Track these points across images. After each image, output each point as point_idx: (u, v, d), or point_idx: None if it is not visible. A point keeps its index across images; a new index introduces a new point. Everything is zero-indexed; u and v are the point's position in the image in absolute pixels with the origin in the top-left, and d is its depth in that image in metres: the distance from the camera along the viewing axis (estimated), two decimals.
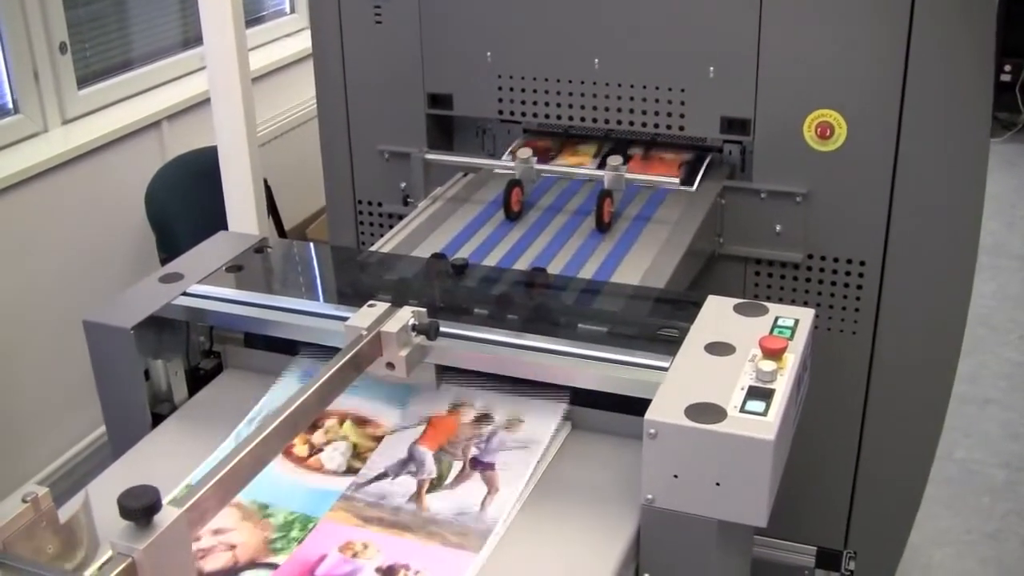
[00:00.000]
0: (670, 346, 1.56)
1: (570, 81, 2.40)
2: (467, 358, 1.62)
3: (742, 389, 1.43)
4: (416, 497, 1.50)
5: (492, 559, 1.38)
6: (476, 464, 1.55)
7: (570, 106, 2.41)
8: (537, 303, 1.86)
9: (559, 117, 2.43)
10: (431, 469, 1.55)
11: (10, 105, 3.47)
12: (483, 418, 1.64)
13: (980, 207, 2.23)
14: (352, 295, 1.83)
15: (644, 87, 2.34)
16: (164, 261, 3.39)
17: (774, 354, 1.49)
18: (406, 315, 1.58)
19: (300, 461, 1.58)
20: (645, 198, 2.28)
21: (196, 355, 1.84)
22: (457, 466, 1.55)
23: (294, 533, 1.44)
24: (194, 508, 1.19)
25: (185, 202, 3.54)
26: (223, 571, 1.37)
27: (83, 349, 1.73)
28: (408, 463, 1.57)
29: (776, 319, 1.60)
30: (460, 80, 2.49)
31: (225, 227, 2.56)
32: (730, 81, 2.27)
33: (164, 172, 3.66)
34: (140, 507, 1.10)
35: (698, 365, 1.50)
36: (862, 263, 2.32)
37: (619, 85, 2.36)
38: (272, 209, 3.84)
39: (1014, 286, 4.71)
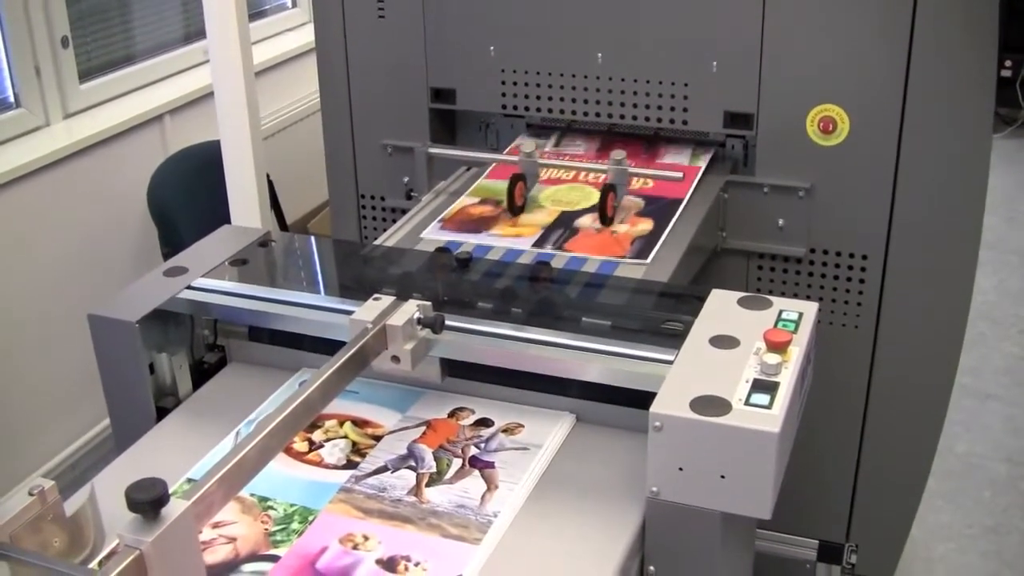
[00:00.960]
0: (675, 339, 1.56)
1: (573, 75, 2.40)
2: (472, 352, 1.62)
3: (747, 382, 1.43)
4: (415, 490, 1.50)
5: (496, 551, 1.39)
6: (475, 462, 1.56)
7: (573, 100, 2.41)
8: (542, 297, 1.86)
9: (562, 111, 2.43)
10: (430, 464, 1.56)
11: (12, 99, 3.46)
12: (483, 422, 1.65)
13: (982, 202, 2.23)
14: (357, 289, 1.83)
15: (647, 81, 2.34)
16: (166, 255, 3.40)
17: (778, 347, 1.49)
18: (411, 308, 1.58)
19: (300, 456, 1.59)
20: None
21: (200, 349, 1.85)
22: (456, 463, 1.56)
23: (294, 525, 1.44)
24: (201, 501, 1.19)
25: (187, 196, 3.54)
26: (224, 564, 1.37)
27: (87, 343, 1.73)
28: (407, 459, 1.57)
29: (780, 312, 1.61)
30: (463, 74, 2.49)
31: (227, 221, 2.56)
32: (733, 75, 2.27)
33: (166, 166, 3.66)
34: (148, 500, 1.10)
35: (703, 358, 1.50)
36: (864, 257, 2.32)
37: (622, 79, 2.36)
38: (274, 203, 3.84)
39: (1015, 281, 4.71)
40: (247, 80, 2.47)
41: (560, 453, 1.58)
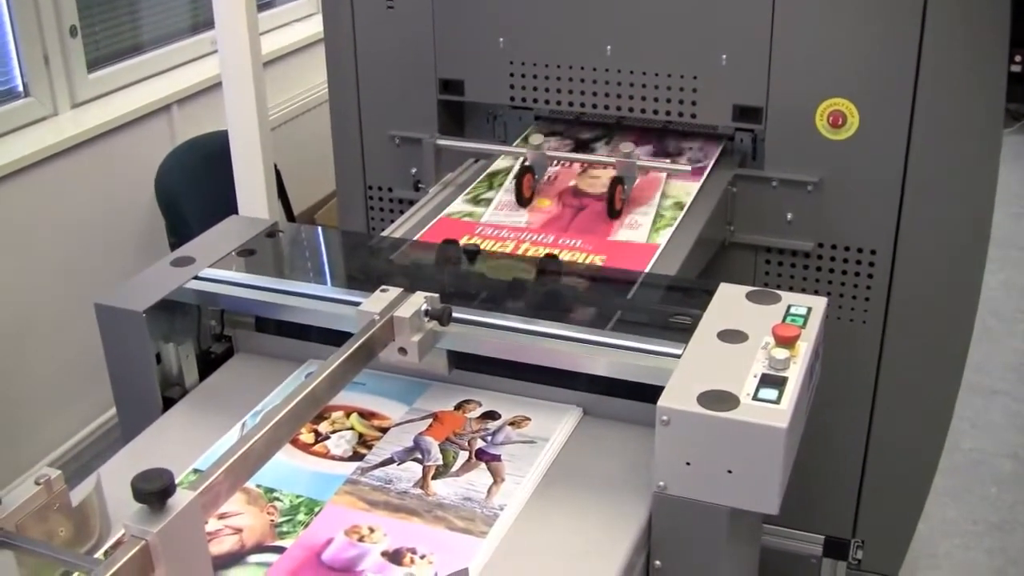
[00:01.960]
0: (683, 333, 1.55)
1: (582, 68, 2.39)
2: (479, 344, 1.62)
3: (755, 377, 1.43)
4: (422, 482, 1.50)
5: (502, 545, 1.38)
6: (482, 455, 1.56)
7: (582, 93, 2.41)
8: (549, 290, 1.86)
9: (570, 104, 2.43)
10: (437, 457, 1.55)
11: (20, 88, 3.46)
12: (490, 415, 1.65)
13: (991, 197, 2.22)
14: (364, 280, 1.83)
15: (656, 74, 2.34)
16: (173, 245, 3.40)
17: (787, 342, 1.49)
18: (419, 300, 1.58)
19: (306, 447, 1.59)
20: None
21: (207, 339, 1.84)
22: (463, 456, 1.56)
23: (300, 517, 1.44)
24: (207, 492, 1.19)
25: (195, 186, 3.54)
26: (230, 554, 1.37)
27: (93, 332, 1.73)
28: (414, 451, 1.57)
29: (789, 307, 1.60)
30: (472, 66, 2.48)
31: (235, 211, 2.56)
32: (742, 69, 2.26)
33: (174, 156, 3.65)
34: (154, 490, 1.10)
35: (711, 352, 1.50)
36: (873, 252, 2.31)
37: (631, 72, 2.36)
38: (281, 194, 3.83)
39: (1022, 277, 4.70)
40: (255, 70, 2.47)
41: (567, 447, 1.58)
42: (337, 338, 1.58)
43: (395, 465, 1.54)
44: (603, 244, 2.02)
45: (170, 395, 1.76)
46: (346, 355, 1.46)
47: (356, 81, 2.59)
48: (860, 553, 2.61)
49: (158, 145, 3.73)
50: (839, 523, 2.60)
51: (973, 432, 3.64)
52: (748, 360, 1.47)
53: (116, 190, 3.62)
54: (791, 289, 2.19)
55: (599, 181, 2.24)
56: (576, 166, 2.31)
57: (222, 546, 1.38)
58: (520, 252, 1.99)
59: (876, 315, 2.36)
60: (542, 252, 1.97)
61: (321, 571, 1.35)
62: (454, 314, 1.60)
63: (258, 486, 1.49)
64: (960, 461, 3.50)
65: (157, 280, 1.78)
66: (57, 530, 1.30)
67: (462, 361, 1.69)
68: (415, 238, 2.05)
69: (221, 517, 1.42)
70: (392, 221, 2.26)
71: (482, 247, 1.98)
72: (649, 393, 1.44)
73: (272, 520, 1.43)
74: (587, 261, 1.95)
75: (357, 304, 1.59)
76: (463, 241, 1.98)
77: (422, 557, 1.36)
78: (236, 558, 1.36)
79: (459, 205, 2.20)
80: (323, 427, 1.62)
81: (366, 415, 1.65)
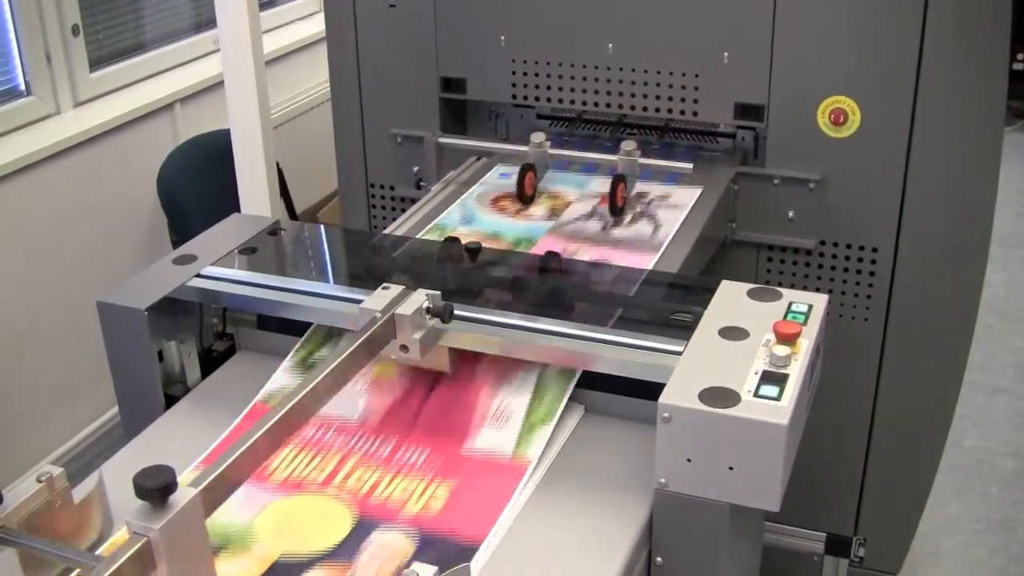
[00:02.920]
0: (684, 331, 1.56)
1: (584, 66, 2.39)
2: (481, 341, 1.62)
3: (756, 374, 1.43)
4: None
5: (504, 541, 1.39)
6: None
7: (583, 91, 2.41)
8: (551, 287, 1.86)
9: (572, 102, 2.43)
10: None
11: (22, 87, 3.47)
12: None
13: (993, 195, 2.22)
14: (366, 278, 1.83)
15: (658, 72, 2.34)
16: (176, 243, 3.40)
17: (788, 339, 1.49)
18: (420, 298, 1.58)
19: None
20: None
21: (209, 337, 1.85)
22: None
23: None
24: (210, 488, 1.19)
25: (197, 185, 3.54)
26: None
27: (96, 330, 1.73)
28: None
29: (790, 304, 1.60)
30: (473, 64, 2.48)
31: (237, 210, 2.56)
32: (744, 67, 2.26)
33: (176, 155, 3.65)
34: (156, 487, 1.10)
35: (712, 349, 1.50)
36: (875, 250, 2.31)
37: (633, 70, 2.36)
38: (284, 192, 3.84)
39: None
40: (257, 69, 2.47)
41: (569, 444, 1.58)
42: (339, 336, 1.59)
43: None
44: (454, 461, 1.53)
45: (172, 393, 1.76)
46: (347, 353, 1.46)
47: (358, 79, 2.59)
48: (862, 550, 2.61)
49: (160, 144, 3.73)
50: (841, 520, 2.60)
51: (975, 430, 3.64)
52: (749, 357, 1.47)
53: (118, 189, 3.62)
54: (792, 287, 2.20)
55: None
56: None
57: None
58: (339, 479, 1.50)
59: (877, 313, 2.36)
60: (369, 478, 1.50)
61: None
62: (456, 311, 1.61)
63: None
64: (962, 459, 3.50)
65: (159, 278, 1.78)
66: (59, 528, 1.31)
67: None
68: None
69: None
70: (394, 219, 2.26)
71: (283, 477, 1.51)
72: (650, 390, 1.44)
73: None
74: (425, 499, 1.46)
75: (359, 302, 1.59)
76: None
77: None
78: None
79: (283, 378, 1.71)
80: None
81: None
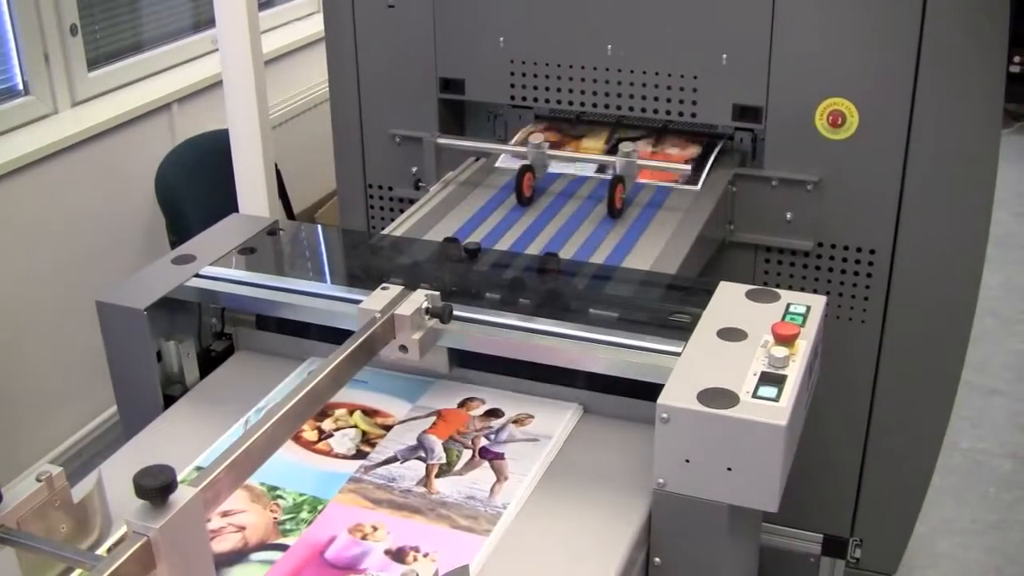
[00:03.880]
0: (682, 332, 1.56)
1: (582, 67, 2.39)
2: (480, 342, 1.62)
3: (754, 375, 1.43)
4: (425, 481, 1.50)
5: (503, 543, 1.39)
6: (485, 453, 1.56)
7: (582, 92, 2.41)
8: (549, 288, 1.86)
9: (571, 103, 2.43)
10: (440, 455, 1.55)
11: (20, 87, 3.46)
12: (493, 413, 1.65)
13: (990, 197, 2.23)
14: (365, 278, 1.84)
15: (656, 73, 2.34)
16: (174, 244, 3.40)
17: (786, 340, 1.49)
18: (419, 298, 1.58)
19: (309, 445, 1.59)
20: (653, 189, 2.28)
21: (208, 337, 1.85)
22: (467, 454, 1.56)
23: (303, 515, 1.44)
24: (209, 488, 1.19)
25: (195, 185, 3.54)
26: (233, 552, 1.37)
27: (94, 330, 1.73)
28: (417, 449, 1.57)
29: (788, 305, 1.61)
30: (472, 65, 2.48)
31: (235, 210, 2.56)
32: (742, 68, 2.27)
33: (174, 155, 3.65)
34: (156, 486, 1.10)
35: (710, 350, 1.50)
36: (872, 251, 2.32)
37: (631, 71, 2.36)
38: (282, 193, 3.83)
39: (1022, 277, 4.71)
40: (256, 69, 2.47)
41: (567, 444, 1.58)
42: (338, 336, 1.59)
43: (398, 463, 1.54)
44: None
45: (171, 393, 1.76)
46: (347, 353, 1.47)
47: (357, 80, 2.59)
48: (858, 552, 2.61)
49: (159, 144, 3.73)
50: (838, 522, 2.60)
51: (972, 431, 3.65)
52: (747, 358, 1.48)
53: (117, 188, 3.62)
54: (790, 288, 2.20)
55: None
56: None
57: (225, 544, 1.38)
58: None
59: (875, 314, 2.36)
60: None
61: (324, 569, 1.35)
62: (455, 312, 1.61)
63: (261, 484, 1.49)
64: (958, 460, 3.50)
65: (158, 278, 1.78)
66: (58, 527, 1.31)
67: (464, 359, 1.69)
68: None
69: (224, 515, 1.43)
70: (392, 220, 2.26)
71: None
72: (649, 391, 1.44)
73: (275, 518, 1.43)
74: None
75: (358, 302, 1.60)
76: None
77: (425, 555, 1.36)
78: (239, 556, 1.37)
79: None
80: (326, 424, 1.62)
81: (369, 413, 1.66)
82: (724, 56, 2.27)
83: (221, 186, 2.79)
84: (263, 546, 1.39)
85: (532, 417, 1.63)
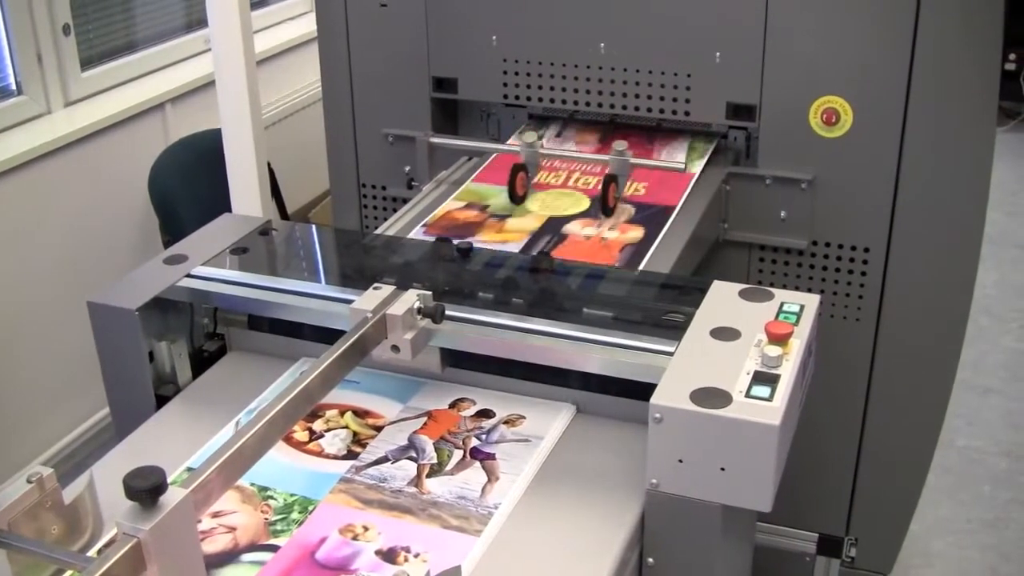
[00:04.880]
0: (675, 331, 1.55)
1: (576, 65, 2.39)
2: (472, 342, 1.61)
3: (748, 374, 1.43)
4: (416, 481, 1.50)
5: (495, 543, 1.38)
6: (476, 454, 1.56)
7: (575, 91, 2.41)
8: (542, 287, 1.86)
9: (564, 102, 2.43)
10: (431, 455, 1.55)
11: (13, 87, 3.46)
12: (484, 413, 1.65)
13: (985, 195, 2.23)
14: (357, 278, 1.83)
15: (650, 72, 2.34)
16: (167, 243, 3.40)
17: (780, 339, 1.49)
18: (411, 298, 1.58)
19: (300, 446, 1.58)
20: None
21: (200, 337, 1.84)
22: (457, 455, 1.55)
23: (294, 515, 1.44)
24: (200, 489, 1.19)
25: (188, 185, 3.53)
26: (223, 553, 1.37)
27: (86, 331, 1.73)
28: (408, 449, 1.57)
29: (782, 304, 1.60)
30: (465, 64, 2.48)
31: (228, 210, 2.55)
32: (736, 66, 2.26)
33: (167, 154, 3.65)
34: (146, 488, 1.10)
35: (703, 350, 1.50)
36: (867, 250, 2.31)
37: (624, 70, 2.35)
38: (275, 192, 3.83)
39: (1016, 275, 4.71)
40: (248, 69, 2.47)
41: (560, 444, 1.58)
42: (330, 336, 1.58)
43: (389, 464, 1.53)
44: None
45: (163, 393, 1.75)
46: (339, 353, 1.46)
47: (349, 79, 2.59)
48: (854, 551, 2.61)
49: (151, 143, 3.72)
50: (833, 521, 2.60)
51: (967, 430, 3.65)
52: (741, 357, 1.47)
53: (109, 188, 3.61)
54: (784, 287, 2.20)
55: None
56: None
57: (215, 545, 1.38)
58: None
59: (869, 313, 2.36)
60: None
61: (314, 570, 1.34)
62: (447, 312, 1.60)
63: (252, 484, 1.49)
64: (954, 459, 3.50)
65: (150, 278, 1.77)
66: (49, 528, 1.30)
67: (456, 359, 1.69)
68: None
69: (215, 516, 1.42)
70: (386, 219, 2.26)
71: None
72: (642, 391, 1.44)
73: (266, 519, 1.43)
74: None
75: (350, 302, 1.59)
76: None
77: (416, 556, 1.35)
78: (229, 557, 1.36)
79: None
80: (317, 425, 1.62)
81: (360, 413, 1.65)
82: (717, 54, 2.26)
83: (214, 186, 2.79)
84: (254, 547, 1.38)
85: (524, 418, 1.63)
